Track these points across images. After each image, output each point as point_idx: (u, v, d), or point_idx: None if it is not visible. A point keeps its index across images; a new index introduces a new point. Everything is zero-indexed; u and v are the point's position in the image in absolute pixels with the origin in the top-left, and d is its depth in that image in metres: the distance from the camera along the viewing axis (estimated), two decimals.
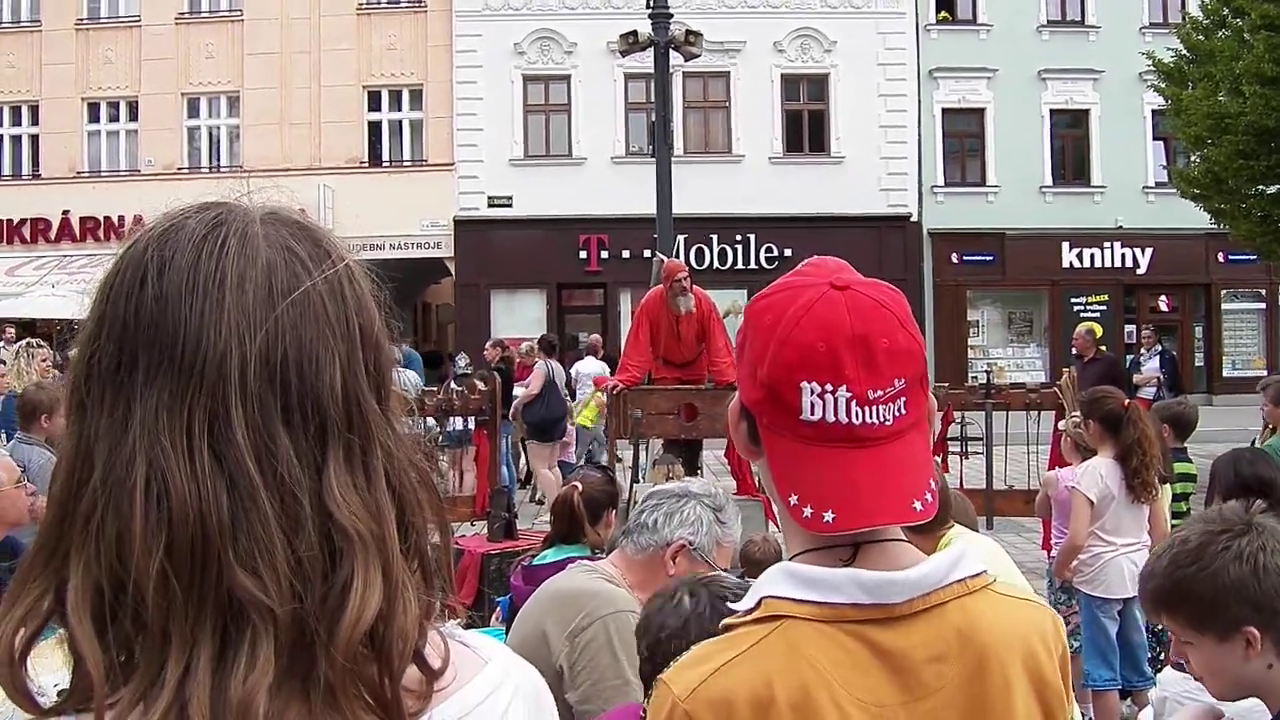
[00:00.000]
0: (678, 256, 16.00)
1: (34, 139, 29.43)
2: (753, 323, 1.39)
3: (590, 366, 15.89)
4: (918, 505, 1.31)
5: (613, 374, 10.85)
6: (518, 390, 14.15)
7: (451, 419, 12.20)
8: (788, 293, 1.37)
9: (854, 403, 1.31)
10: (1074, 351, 15.45)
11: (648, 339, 9.98)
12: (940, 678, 1.31)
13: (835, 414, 1.31)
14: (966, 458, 12.44)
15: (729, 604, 1.66)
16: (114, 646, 0.91)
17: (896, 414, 1.33)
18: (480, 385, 12.14)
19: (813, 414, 1.31)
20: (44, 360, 10.91)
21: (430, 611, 1.02)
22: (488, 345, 16.75)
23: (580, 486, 4.26)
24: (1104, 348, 15.39)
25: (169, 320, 0.95)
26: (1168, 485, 6.86)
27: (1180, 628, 2.30)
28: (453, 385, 13.02)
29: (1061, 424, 8.41)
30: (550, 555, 4.94)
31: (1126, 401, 6.21)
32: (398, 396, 1.07)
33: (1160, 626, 2.57)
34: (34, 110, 29.30)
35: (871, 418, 1.31)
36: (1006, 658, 1.34)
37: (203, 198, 1.05)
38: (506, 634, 5.02)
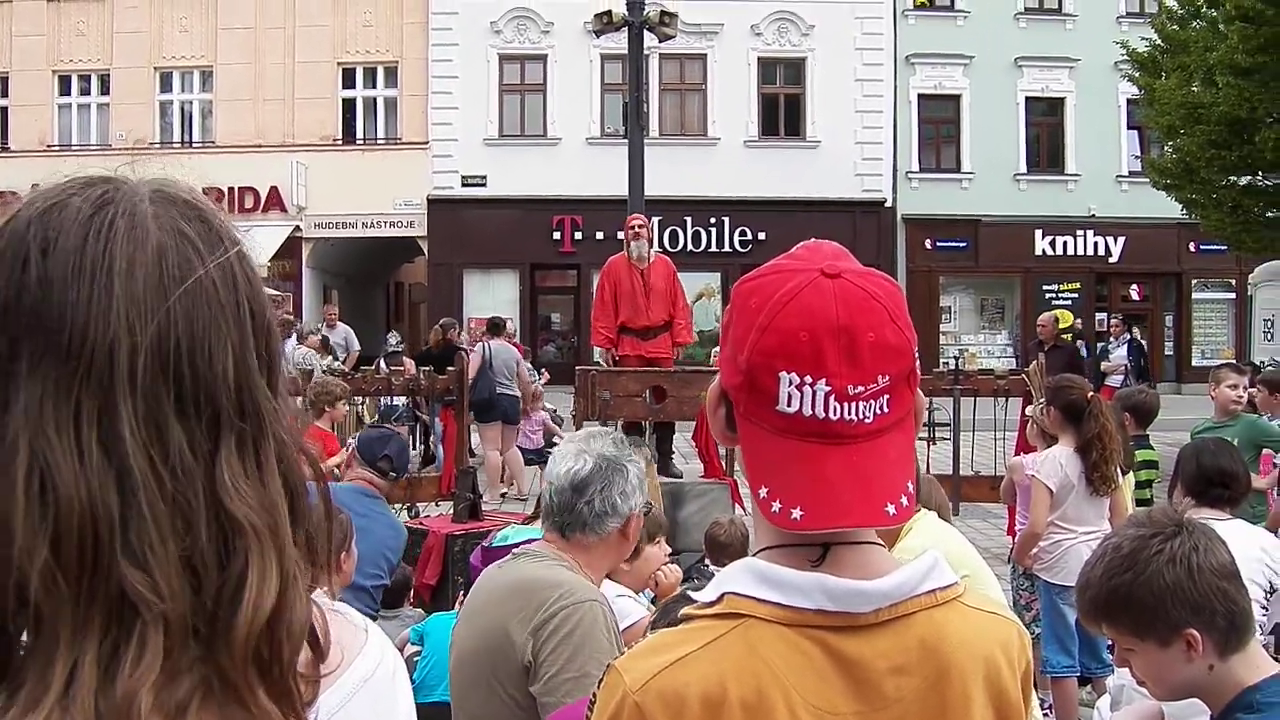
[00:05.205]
0: (652, 236, 16.08)
1: (3, 111, 29.19)
2: (738, 304, 1.34)
3: None
4: (891, 509, 1.26)
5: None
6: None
7: (390, 396, 12.30)
8: (777, 276, 1.32)
9: (832, 397, 1.26)
10: (1037, 338, 15.50)
11: (612, 299, 10.32)
12: (899, 689, 1.29)
13: (812, 407, 1.26)
14: (934, 443, 12.47)
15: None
16: None
17: (878, 412, 1.28)
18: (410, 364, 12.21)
19: (789, 405, 1.27)
20: None
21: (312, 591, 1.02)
22: (434, 328, 16.95)
23: None
24: (1066, 336, 15.43)
25: (54, 305, 0.90)
26: (1130, 474, 6.91)
27: (1121, 635, 2.29)
28: (383, 364, 13.06)
29: (1028, 410, 8.42)
30: (511, 536, 4.87)
31: (1090, 394, 6.23)
32: (287, 378, 1.05)
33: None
34: (3, 82, 29.05)
35: (850, 414, 1.26)
36: (968, 671, 1.32)
37: (85, 171, 1.00)
38: None
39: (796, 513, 1.25)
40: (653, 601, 4.45)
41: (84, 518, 0.87)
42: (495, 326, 14.96)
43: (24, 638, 0.89)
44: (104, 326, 0.90)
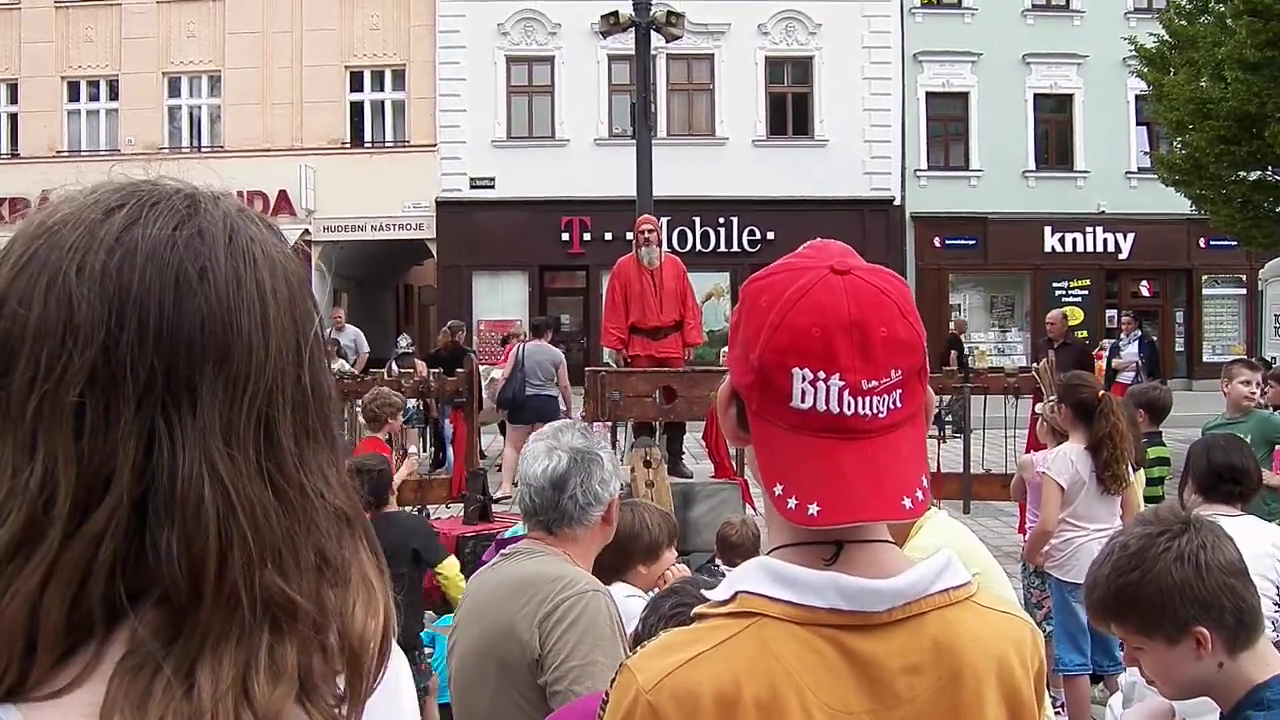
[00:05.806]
0: (661, 237, 16.13)
1: (13, 118, 29.21)
2: (748, 303, 1.34)
3: None
4: (907, 503, 1.26)
5: None
6: (495, 373, 14.36)
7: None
8: (786, 274, 1.32)
9: (846, 392, 1.26)
10: (1047, 336, 15.49)
11: (622, 300, 10.28)
12: (912, 689, 1.29)
13: (826, 403, 1.26)
14: (944, 441, 12.45)
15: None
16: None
17: (891, 406, 1.28)
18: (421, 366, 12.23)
19: (803, 401, 1.27)
20: None
21: None
22: (442, 330, 16.96)
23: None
24: (1075, 332, 15.45)
25: (219, 331, 0.92)
26: (1141, 470, 6.89)
27: (1130, 634, 2.28)
28: (394, 366, 13.08)
29: (1039, 407, 8.41)
30: (523, 530, 4.87)
31: (1101, 392, 6.22)
32: None
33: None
34: (13, 89, 29.08)
35: (864, 409, 1.26)
36: (982, 671, 1.32)
37: (164, 180, 1.00)
38: None
39: (813, 508, 1.25)
40: None
41: (256, 535, 0.91)
42: (535, 328, 15.04)
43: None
44: (265, 352, 0.94)
